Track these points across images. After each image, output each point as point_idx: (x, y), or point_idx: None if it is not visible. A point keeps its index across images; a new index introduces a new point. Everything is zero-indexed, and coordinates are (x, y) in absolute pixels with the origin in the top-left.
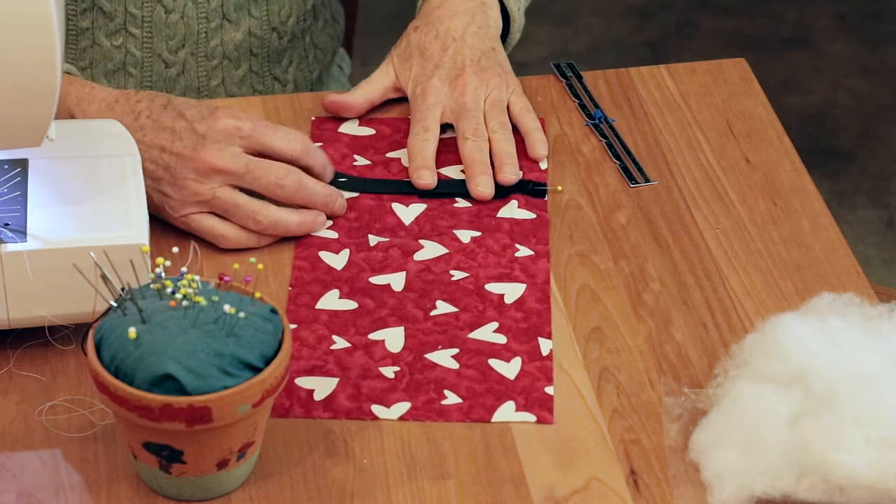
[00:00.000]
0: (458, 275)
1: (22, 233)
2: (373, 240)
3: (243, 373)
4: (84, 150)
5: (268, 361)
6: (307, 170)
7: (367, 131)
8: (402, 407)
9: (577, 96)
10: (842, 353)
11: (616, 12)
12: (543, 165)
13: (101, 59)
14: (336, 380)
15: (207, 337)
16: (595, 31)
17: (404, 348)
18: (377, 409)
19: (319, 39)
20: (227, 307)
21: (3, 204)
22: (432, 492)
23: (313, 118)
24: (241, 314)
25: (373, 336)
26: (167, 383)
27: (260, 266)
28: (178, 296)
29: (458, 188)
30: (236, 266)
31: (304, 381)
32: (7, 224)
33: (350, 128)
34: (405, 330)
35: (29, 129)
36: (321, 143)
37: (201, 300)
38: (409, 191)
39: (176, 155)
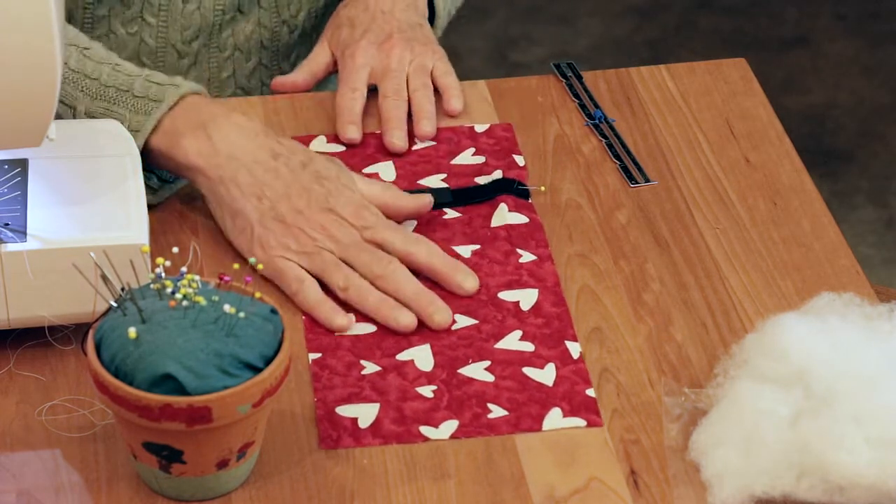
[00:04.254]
0: None
1: (22, 233)
2: None
3: (243, 373)
4: (84, 150)
5: (268, 361)
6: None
7: (338, 148)
8: (451, 425)
9: (577, 96)
10: (842, 353)
11: (616, 12)
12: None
13: (115, 48)
14: (377, 405)
15: (207, 337)
16: (595, 31)
17: (436, 366)
18: (426, 430)
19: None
20: (227, 307)
21: (3, 204)
22: (432, 492)
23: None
24: (241, 314)
25: (401, 357)
26: (167, 383)
27: (260, 266)
28: (178, 296)
29: (443, 197)
30: (236, 266)
31: (345, 410)
32: (7, 224)
33: (319, 145)
34: (431, 347)
35: (29, 129)
36: None
37: (201, 300)
38: None
39: (299, 211)
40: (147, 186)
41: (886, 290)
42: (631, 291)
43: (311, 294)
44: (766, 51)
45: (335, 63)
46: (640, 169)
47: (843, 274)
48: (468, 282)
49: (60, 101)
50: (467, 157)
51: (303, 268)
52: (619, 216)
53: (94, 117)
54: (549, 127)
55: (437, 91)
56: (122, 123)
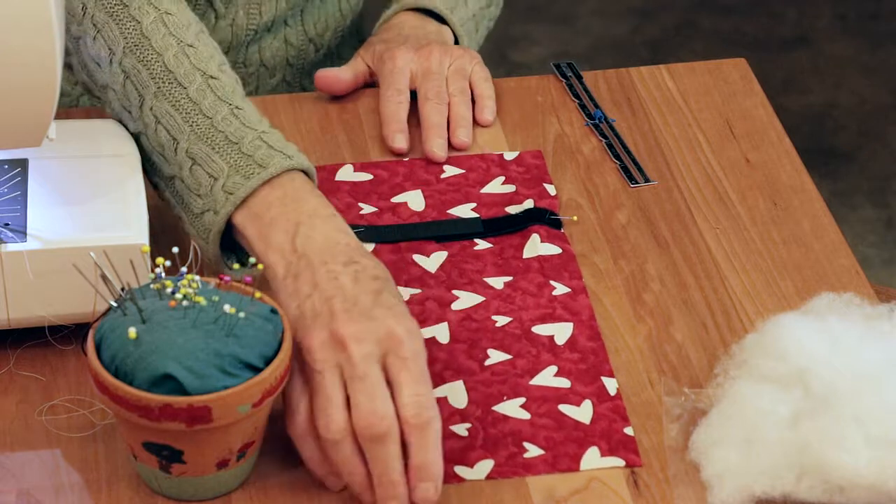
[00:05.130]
0: (501, 320)
1: (22, 233)
2: (405, 292)
3: (243, 373)
4: (84, 150)
5: (268, 361)
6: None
7: (365, 176)
8: (486, 465)
9: (577, 96)
10: (841, 353)
11: (616, 12)
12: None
13: None
14: None
15: (207, 337)
16: (595, 31)
17: (469, 402)
18: (461, 471)
19: (345, 52)
20: (227, 307)
21: (3, 204)
22: None
23: None
24: (241, 314)
25: (434, 393)
26: (167, 383)
27: (260, 266)
28: (178, 296)
29: (474, 227)
30: (236, 266)
31: None
32: (7, 224)
33: (346, 174)
34: (465, 383)
35: (29, 129)
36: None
37: (201, 300)
38: (425, 234)
39: (329, 305)
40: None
41: (886, 290)
42: (631, 291)
43: (303, 423)
44: (766, 51)
45: (371, 74)
46: (640, 169)
47: (843, 274)
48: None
49: (166, 129)
50: (497, 186)
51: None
52: (619, 216)
53: (194, 161)
54: (549, 127)
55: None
56: (218, 178)
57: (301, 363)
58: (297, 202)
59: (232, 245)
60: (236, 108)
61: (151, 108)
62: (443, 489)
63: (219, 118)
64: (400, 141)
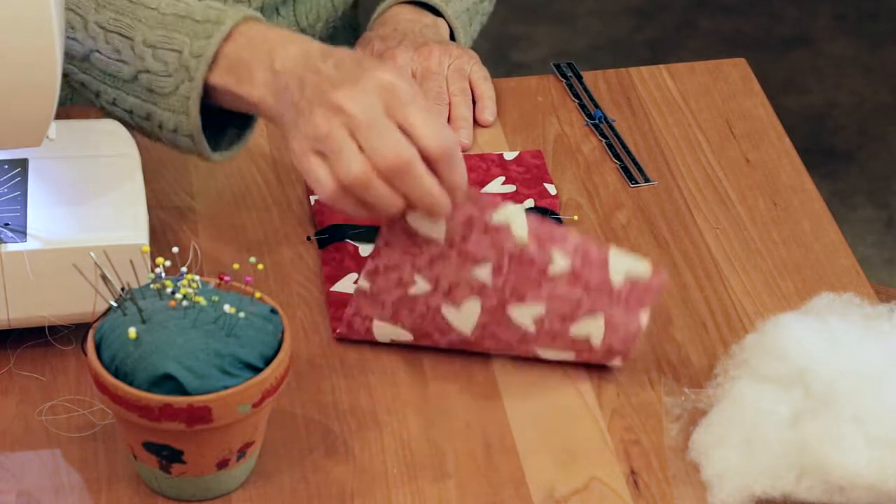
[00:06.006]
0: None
1: (22, 233)
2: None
3: (243, 373)
4: (84, 150)
5: (268, 361)
6: (437, 175)
7: None
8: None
9: (577, 96)
10: (842, 353)
11: (616, 12)
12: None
13: None
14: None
15: (207, 337)
16: (595, 31)
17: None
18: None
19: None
20: (227, 307)
21: (3, 204)
22: (432, 492)
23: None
24: (241, 314)
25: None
26: (167, 383)
27: (260, 266)
28: (178, 296)
29: None
30: (236, 266)
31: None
32: (7, 224)
33: None
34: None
35: (29, 129)
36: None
37: (201, 300)
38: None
39: (318, 85)
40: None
41: (886, 290)
42: None
43: (330, 186)
44: (766, 51)
45: None
46: (640, 169)
47: (843, 274)
48: (458, 193)
49: (117, 33)
50: (497, 186)
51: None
52: (619, 216)
53: (154, 47)
54: (549, 127)
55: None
56: (182, 51)
57: (313, 147)
58: (263, 41)
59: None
60: None
61: (96, 22)
62: (441, 484)
63: (163, 5)
64: None
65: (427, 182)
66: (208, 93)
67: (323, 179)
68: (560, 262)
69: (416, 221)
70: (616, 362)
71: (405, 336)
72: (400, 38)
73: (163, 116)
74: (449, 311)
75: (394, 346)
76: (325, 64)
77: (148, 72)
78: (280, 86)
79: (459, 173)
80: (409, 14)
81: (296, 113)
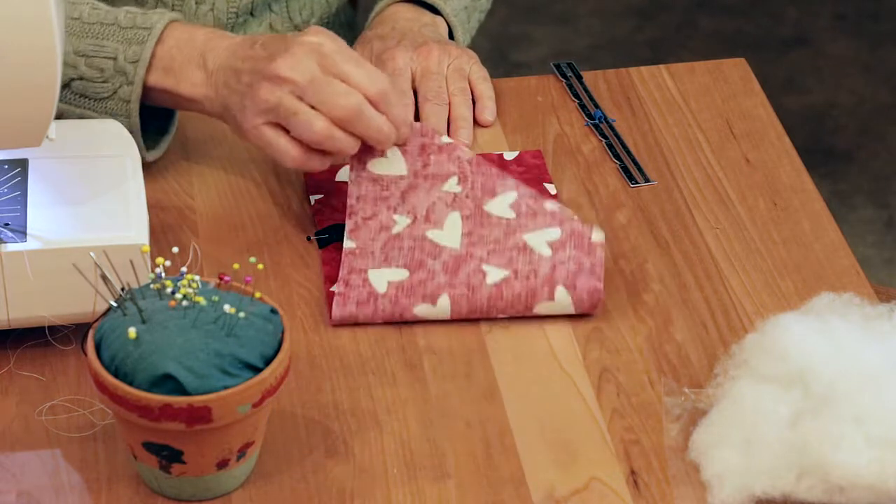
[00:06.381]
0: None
1: (22, 233)
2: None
3: (243, 373)
4: (84, 150)
5: (268, 361)
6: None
7: None
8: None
9: (577, 96)
10: (841, 353)
11: (616, 12)
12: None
13: None
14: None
15: (207, 337)
16: (595, 31)
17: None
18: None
19: None
20: (227, 307)
21: (3, 204)
22: (432, 492)
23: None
24: (241, 314)
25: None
26: (167, 383)
27: (260, 266)
28: (178, 296)
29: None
30: (236, 266)
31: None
32: (7, 224)
33: (346, 174)
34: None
35: (29, 129)
36: (321, 195)
37: (201, 300)
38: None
39: (256, 68)
40: (146, 144)
41: (886, 290)
42: (631, 291)
43: (295, 151)
44: (766, 51)
45: None
46: (640, 169)
47: (843, 274)
48: (402, 130)
49: None
50: None
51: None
52: (619, 216)
53: (86, 56)
54: (549, 127)
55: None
56: (116, 57)
57: (267, 120)
58: (191, 42)
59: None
60: (92, 4)
61: None
62: (441, 484)
63: (85, 14)
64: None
65: (378, 119)
66: (144, 94)
67: (285, 147)
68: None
69: (378, 166)
70: (597, 236)
71: (401, 274)
72: (399, 37)
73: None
74: (434, 234)
75: (393, 346)
76: (253, 49)
77: (82, 79)
78: (218, 82)
79: (400, 108)
80: (408, 12)
81: (239, 98)
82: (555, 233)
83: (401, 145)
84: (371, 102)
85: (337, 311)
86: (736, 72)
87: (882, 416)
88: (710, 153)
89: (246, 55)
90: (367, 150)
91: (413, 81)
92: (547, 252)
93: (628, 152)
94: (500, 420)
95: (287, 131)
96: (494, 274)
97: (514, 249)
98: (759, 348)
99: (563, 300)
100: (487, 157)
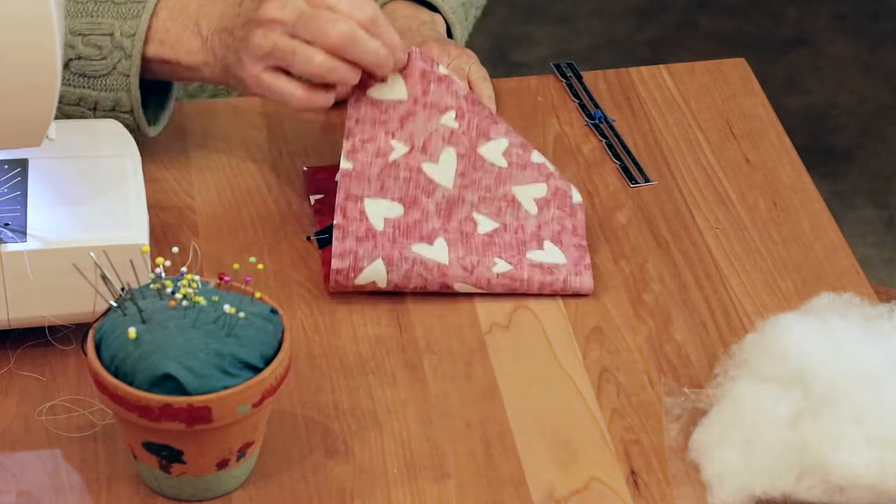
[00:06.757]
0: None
1: (22, 233)
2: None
3: (243, 373)
4: (84, 150)
5: (268, 361)
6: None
7: None
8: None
9: (577, 96)
10: (841, 353)
11: (616, 12)
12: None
13: None
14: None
15: (207, 337)
16: (595, 31)
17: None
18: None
19: None
20: (227, 307)
21: (3, 204)
22: (432, 492)
23: (305, 168)
24: (241, 314)
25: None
26: (167, 383)
27: (260, 266)
28: (178, 296)
29: None
30: (236, 266)
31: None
32: (7, 224)
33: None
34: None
35: (29, 129)
36: (321, 195)
37: (201, 300)
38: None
39: (247, 19)
40: (147, 119)
41: (886, 290)
42: (631, 291)
43: (301, 92)
44: (766, 51)
45: None
46: (640, 169)
47: (843, 274)
48: (397, 53)
49: None
50: None
51: (288, 75)
52: (619, 216)
53: (82, 34)
54: (549, 127)
55: None
56: (113, 33)
57: (266, 65)
58: (184, 11)
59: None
60: None
61: None
62: (441, 484)
63: None
64: None
65: (373, 44)
66: (144, 67)
67: (290, 89)
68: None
69: (378, 91)
70: (577, 197)
71: (396, 210)
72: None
73: (99, 97)
74: (429, 167)
75: (393, 346)
76: (241, 6)
77: (80, 58)
78: (214, 45)
79: (392, 32)
80: (406, 10)
81: (234, 53)
82: (541, 189)
83: (401, 70)
84: (362, 28)
85: (338, 246)
86: (736, 72)
87: (882, 416)
88: (710, 153)
89: (235, 14)
90: (367, 76)
91: None
92: (533, 209)
93: (628, 152)
94: (500, 420)
95: (288, 74)
96: (485, 224)
97: (502, 200)
98: (759, 348)
99: (552, 251)
100: None
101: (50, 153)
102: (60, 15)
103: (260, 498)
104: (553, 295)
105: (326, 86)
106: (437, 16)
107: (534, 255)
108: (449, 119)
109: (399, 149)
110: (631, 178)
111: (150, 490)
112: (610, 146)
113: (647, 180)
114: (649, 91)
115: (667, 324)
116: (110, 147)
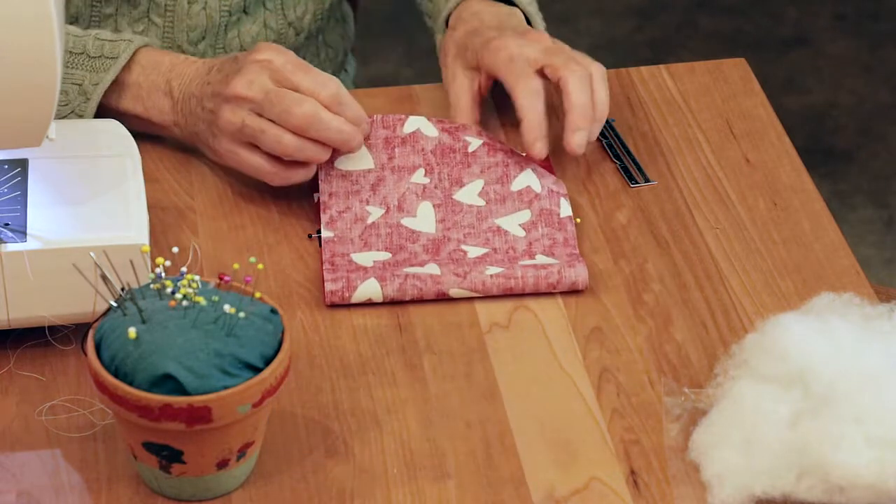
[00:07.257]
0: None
1: (22, 233)
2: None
3: (243, 373)
4: (84, 150)
5: (268, 361)
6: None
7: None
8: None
9: None
10: (841, 353)
11: (616, 12)
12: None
13: None
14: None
15: (207, 337)
16: (595, 31)
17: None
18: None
19: (331, 39)
20: (227, 307)
21: (3, 204)
22: (432, 492)
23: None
24: (241, 314)
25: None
26: (167, 383)
27: (260, 266)
28: (178, 296)
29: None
30: (236, 266)
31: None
32: (7, 224)
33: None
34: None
35: (29, 129)
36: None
37: (201, 300)
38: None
39: (215, 92)
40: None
41: (886, 290)
42: (631, 291)
43: (272, 168)
44: (766, 51)
45: (481, 79)
46: (640, 169)
47: (843, 274)
48: (363, 126)
49: None
50: None
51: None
52: (619, 216)
53: None
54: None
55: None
56: (82, 83)
57: (238, 139)
58: (156, 67)
59: None
60: (64, 30)
61: None
62: (441, 484)
63: None
64: (541, 149)
65: (336, 122)
66: (120, 118)
67: (261, 165)
68: (474, 141)
69: (346, 163)
70: (565, 210)
71: (384, 255)
72: (496, 29)
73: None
74: (409, 221)
75: (393, 346)
76: (210, 74)
77: None
78: (185, 109)
79: (355, 106)
80: (489, 7)
81: (206, 126)
82: (525, 215)
83: (365, 140)
84: (325, 106)
85: (329, 275)
86: (736, 72)
87: (882, 416)
88: (710, 153)
89: (206, 81)
90: (335, 151)
91: (535, 65)
92: (521, 233)
93: (628, 152)
94: (500, 420)
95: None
96: (474, 251)
97: (488, 232)
98: (759, 348)
99: (545, 260)
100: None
101: (50, 153)
102: (60, 15)
103: (260, 498)
104: (552, 293)
105: (300, 162)
106: (516, 10)
107: (526, 263)
108: (419, 177)
109: (375, 212)
110: (631, 178)
111: (150, 490)
112: (610, 146)
113: (647, 180)
114: (649, 91)
115: (667, 324)
116: (110, 147)
